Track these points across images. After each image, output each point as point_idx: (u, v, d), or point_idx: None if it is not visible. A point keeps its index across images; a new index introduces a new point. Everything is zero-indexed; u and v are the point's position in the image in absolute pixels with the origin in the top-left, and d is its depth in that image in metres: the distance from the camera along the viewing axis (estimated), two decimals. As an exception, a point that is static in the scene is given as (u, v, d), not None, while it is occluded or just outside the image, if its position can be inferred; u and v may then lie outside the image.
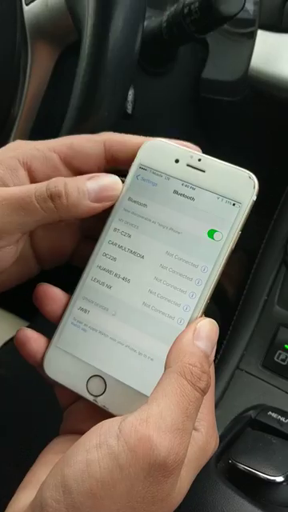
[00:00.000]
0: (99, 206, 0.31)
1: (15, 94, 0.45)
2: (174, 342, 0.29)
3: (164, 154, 0.32)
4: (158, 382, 0.28)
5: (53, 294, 0.33)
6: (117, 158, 0.33)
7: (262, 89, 0.49)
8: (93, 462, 0.25)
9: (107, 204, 0.32)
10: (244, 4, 0.42)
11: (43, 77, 0.45)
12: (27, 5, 0.44)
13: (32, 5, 0.43)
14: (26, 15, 0.44)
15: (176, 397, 0.27)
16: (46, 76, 0.45)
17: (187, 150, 0.32)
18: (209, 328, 0.29)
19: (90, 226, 0.35)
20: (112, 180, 0.32)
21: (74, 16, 0.41)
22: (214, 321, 0.30)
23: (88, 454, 0.25)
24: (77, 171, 0.33)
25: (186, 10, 0.44)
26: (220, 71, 0.55)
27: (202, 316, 0.31)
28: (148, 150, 0.32)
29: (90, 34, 0.36)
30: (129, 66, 0.39)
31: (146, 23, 0.50)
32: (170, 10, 0.47)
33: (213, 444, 0.31)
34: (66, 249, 0.36)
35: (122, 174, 0.33)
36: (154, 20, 0.50)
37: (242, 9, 0.42)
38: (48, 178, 0.31)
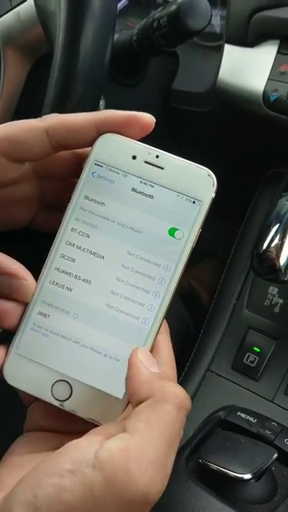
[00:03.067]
0: None
1: (-12, 104, 0.45)
2: (132, 378, 0.28)
3: (120, 149, 0.31)
4: (136, 413, 0.26)
5: (7, 309, 0.31)
6: (64, 145, 0.31)
7: (229, 100, 0.51)
8: (65, 488, 0.24)
9: None
10: (210, 19, 0.43)
11: (16, 86, 0.46)
12: (0, 17, 0.45)
13: (5, 17, 0.44)
14: (-2, 27, 0.45)
15: (160, 425, 0.25)
16: (19, 85, 0.46)
17: (145, 146, 0.31)
18: (147, 353, 0.30)
19: (50, 197, 0.34)
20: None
21: (45, 28, 0.42)
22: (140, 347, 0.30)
23: (61, 479, 0.24)
24: (22, 162, 0.32)
25: (155, 24, 0.45)
26: (190, 82, 0.57)
27: (165, 314, 0.31)
28: (103, 145, 0.31)
29: (61, 46, 0.37)
30: (99, 76, 0.40)
31: (117, 36, 0.51)
32: (140, 23, 0.48)
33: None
34: (22, 220, 0.35)
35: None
36: (124, 33, 0.52)
37: (209, 24, 0.43)
38: None
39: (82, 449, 0.25)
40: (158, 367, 0.29)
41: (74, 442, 0.26)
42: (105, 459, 0.24)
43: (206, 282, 0.68)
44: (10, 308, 0.31)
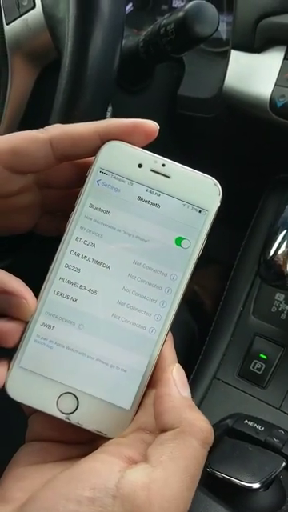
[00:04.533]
0: None
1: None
2: (162, 398, 0.28)
3: (126, 157, 0.31)
4: (160, 444, 0.26)
5: (8, 329, 0.30)
6: (68, 156, 0.31)
7: (235, 106, 0.51)
8: None
9: None
10: (218, 26, 0.43)
11: (23, 94, 0.46)
12: (8, 24, 0.44)
13: (12, 24, 0.44)
14: (6, 35, 0.45)
15: (185, 461, 0.25)
16: (26, 94, 0.46)
17: (150, 155, 0.31)
18: (181, 373, 0.29)
19: (52, 205, 0.34)
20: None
21: (54, 35, 0.42)
22: (178, 363, 0.30)
23: (79, 506, 0.24)
24: (24, 174, 0.32)
25: (162, 31, 0.45)
26: (196, 89, 0.57)
27: (170, 325, 0.31)
28: (108, 152, 0.31)
29: (69, 53, 0.37)
30: (108, 83, 0.39)
31: (123, 42, 0.51)
32: (147, 30, 0.48)
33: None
34: (25, 226, 0.35)
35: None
36: (131, 39, 0.52)
37: (216, 30, 0.43)
38: None
39: (103, 476, 0.25)
40: (188, 390, 0.29)
41: (93, 466, 0.26)
42: (127, 492, 0.24)
43: (210, 288, 0.67)
44: (11, 328, 0.30)
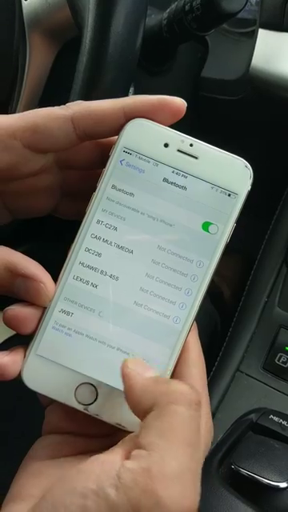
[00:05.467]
0: None
1: (13, 91, 0.44)
2: (128, 392, 0.27)
3: (151, 136, 0.29)
4: (146, 427, 0.25)
5: (25, 315, 0.29)
6: (90, 135, 0.29)
7: (262, 88, 0.49)
8: (90, 510, 0.23)
9: None
10: (247, 1, 0.41)
11: (42, 74, 0.44)
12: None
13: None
14: (24, 10, 0.43)
15: (175, 432, 0.24)
16: (45, 72, 0.44)
17: (178, 134, 0.30)
18: (136, 361, 0.28)
19: (72, 187, 0.33)
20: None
21: (74, 10, 0.40)
22: (128, 358, 0.29)
23: (85, 500, 0.23)
24: (45, 153, 0.30)
25: (187, 7, 0.43)
26: (220, 70, 0.55)
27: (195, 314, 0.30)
28: (133, 131, 0.29)
29: (90, 28, 0.35)
30: (131, 62, 0.38)
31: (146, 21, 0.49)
32: (171, 7, 0.46)
33: (209, 439, 0.29)
34: (44, 208, 0.34)
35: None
36: (153, 18, 0.50)
37: (245, 6, 0.41)
38: (10, 165, 0.29)
39: (106, 466, 0.24)
40: (152, 371, 0.27)
41: (99, 457, 0.25)
42: (128, 481, 0.23)
43: (228, 277, 0.66)
44: (29, 314, 0.29)
